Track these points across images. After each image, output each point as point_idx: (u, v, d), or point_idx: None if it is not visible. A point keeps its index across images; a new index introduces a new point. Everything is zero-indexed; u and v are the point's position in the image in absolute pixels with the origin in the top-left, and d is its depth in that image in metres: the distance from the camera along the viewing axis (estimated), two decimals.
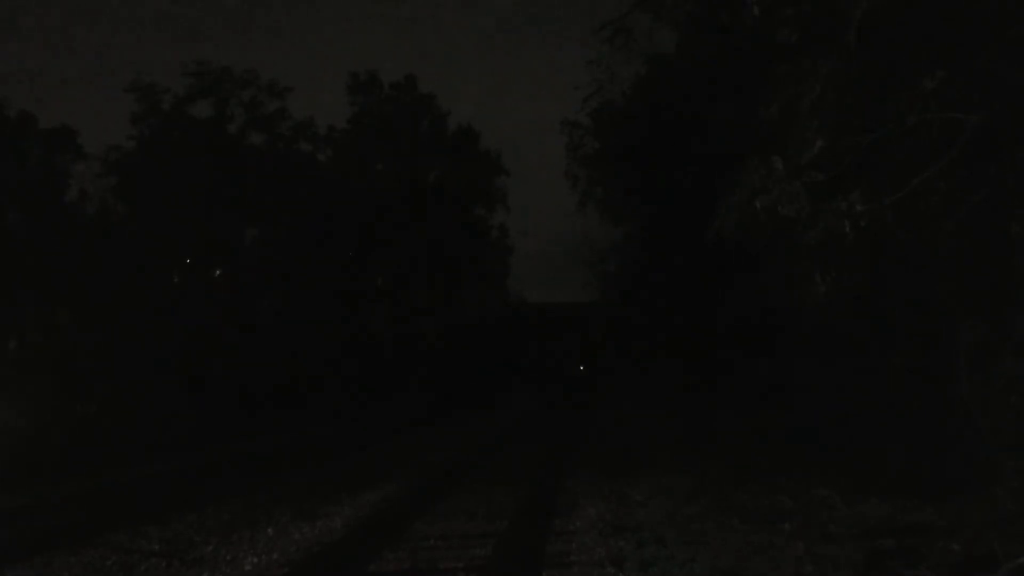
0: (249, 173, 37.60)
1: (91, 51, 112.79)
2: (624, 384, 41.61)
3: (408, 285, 45.87)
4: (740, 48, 13.51)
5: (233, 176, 36.81)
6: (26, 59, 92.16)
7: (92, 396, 26.75)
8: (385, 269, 46.06)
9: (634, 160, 24.67)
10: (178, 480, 16.39)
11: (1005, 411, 9.57)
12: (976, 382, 9.81)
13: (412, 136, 48.56)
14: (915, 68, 8.46)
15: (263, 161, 38.80)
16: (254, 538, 10.32)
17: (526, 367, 64.92)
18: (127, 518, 11.71)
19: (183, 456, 20.05)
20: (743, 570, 7.73)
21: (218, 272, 37.00)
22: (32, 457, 18.36)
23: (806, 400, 14.12)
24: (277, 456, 20.25)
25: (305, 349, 37.27)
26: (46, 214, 29.50)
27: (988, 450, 9.53)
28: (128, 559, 9.50)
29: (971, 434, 9.78)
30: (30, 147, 31.52)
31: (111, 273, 28.47)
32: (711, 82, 17.70)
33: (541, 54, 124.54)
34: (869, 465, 11.19)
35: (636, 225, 29.27)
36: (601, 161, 28.81)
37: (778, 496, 10.87)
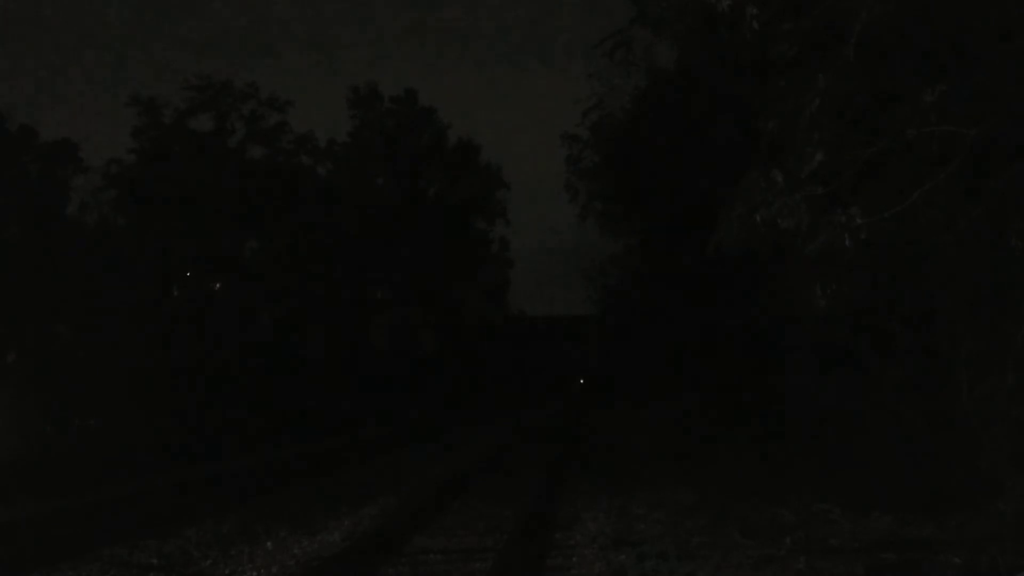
0: (249, 186, 37.66)
1: (93, 65, 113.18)
2: (624, 397, 41.58)
3: (408, 298, 45.88)
4: (740, 62, 13.56)
5: (233, 189, 36.87)
6: (28, 72, 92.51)
7: (90, 409, 26.70)
8: (385, 282, 46.08)
9: (634, 173, 24.71)
10: (177, 494, 16.32)
11: (1006, 425, 9.54)
12: (977, 395, 9.79)
13: (412, 149, 48.68)
14: (915, 81, 8.48)
15: (263, 174, 38.88)
16: (253, 552, 10.28)
17: (526, 380, 64.85)
18: (125, 532, 11.66)
19: (182, 470, 19.98)
20: None
21: (218, 285, 37.01)
22: (30, 470, 18.30)
23: (807, 413, 14.09)
24: (276, 470, 20.18)
25: (304, 363, 37.24)
26: (46, 227, 29.52)
27: (989, 464, 9.51)
28: (126, 573, 9.47)
29: (972, 448, 9.75)
30: (31, 160, 31.59)
31: (111, 286, 28.46)
32: (711, 96, 17.76)
33: (541, 67, 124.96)
34: (870, 479, 11.16)
35: (636, 238, 29.30)
36: (601, 174, 28.85)
37: (779, 510, 10.83)
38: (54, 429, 24.17)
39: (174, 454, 22.07)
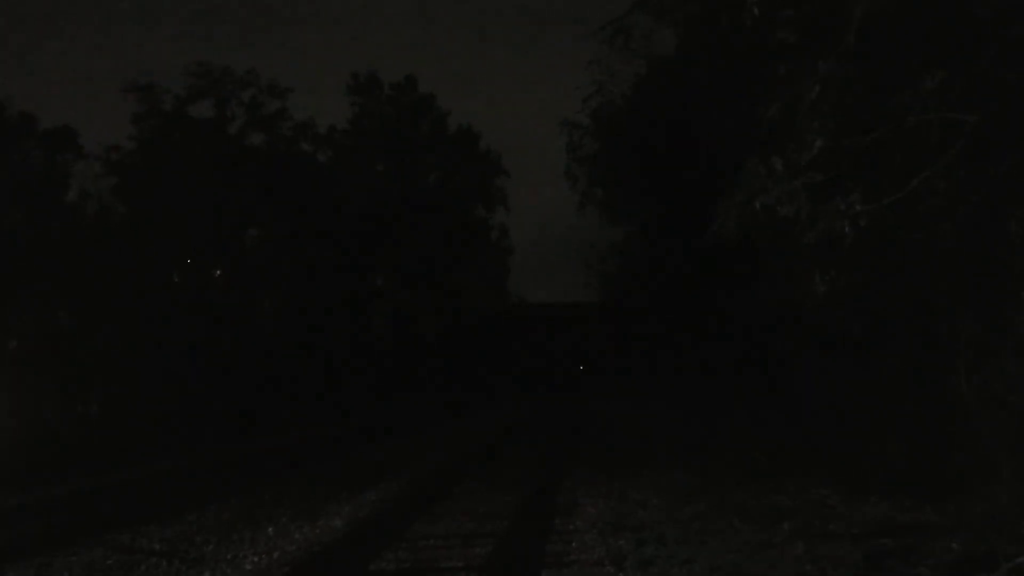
0: (249, 173, 37.62)
1: (92, 51, 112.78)
2: (624, 384, 41.66)
3: (408, 285, 45.90)
4: (740, 48, 13.53)
5: (233, 176, 36.83)
6: (27, 58, 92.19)
7: (92, 396, 26.77)
8: (385, 269, 46.08)
9: (634, 160, 24.68)
10: (179, 480, 16.40)
11: (1004, 411, 9.58)
12: (975, 382, 9.82)
13: (412, 136, 48.59)
14: (915, 68, 8.47)
15: (263, 161, 38.82)
16: (255, 537, 10.33)
17: (526, 367, 64.92)
18: (128, 517, 11.73)
19: (184, 456, 20.06)
20: (742, 569, 7.74)
21: (218, 272, 37.02)
22: (33, 457, 18.38)
23: (805, 400, 14.13)
24: (277, 456, 20.27)
25: (305, 349, 37.30)
26: (47, 214, 29.52)
27: (987, 450, 9.55)
28: (129, 558, 9.51)
29: (970, 434, 9.79)
30: (31, 147, 31.55)
31: (111, 273, 28.47)
32: (710, 82, 17.72)
33: (541, 53, 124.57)
34: (868, 465, 11.20)
35: (636, 225, 29.26)
36: (601, 161, 28.78)
37: (777, 495, 10.88)
38: (55, 415, 24.23)
39: (174, 440, 22.15)
